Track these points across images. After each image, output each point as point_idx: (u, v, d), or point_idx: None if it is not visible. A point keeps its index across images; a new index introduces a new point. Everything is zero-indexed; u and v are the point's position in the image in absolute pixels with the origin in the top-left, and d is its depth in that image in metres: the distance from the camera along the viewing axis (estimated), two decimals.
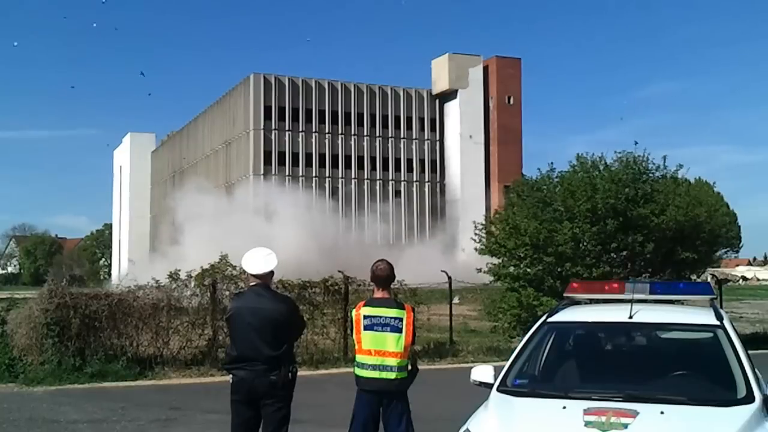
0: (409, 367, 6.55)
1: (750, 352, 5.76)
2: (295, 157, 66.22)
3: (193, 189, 64.30)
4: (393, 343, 6.36)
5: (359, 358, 6.48)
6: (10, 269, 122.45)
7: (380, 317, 6.42)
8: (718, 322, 5.95)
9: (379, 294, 6.63)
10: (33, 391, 12.92)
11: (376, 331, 6.40)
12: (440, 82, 70.29)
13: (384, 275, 6.61)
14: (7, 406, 11.53)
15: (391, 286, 6.84)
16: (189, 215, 58.63)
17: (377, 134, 69.25)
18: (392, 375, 6.34)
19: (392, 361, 6.35)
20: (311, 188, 64.35)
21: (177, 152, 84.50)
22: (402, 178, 69.58)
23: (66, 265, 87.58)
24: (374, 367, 6.37)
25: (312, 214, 55.33)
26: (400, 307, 6.52)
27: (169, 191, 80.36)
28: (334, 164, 67.32)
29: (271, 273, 6.34)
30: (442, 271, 19.28)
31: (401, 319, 6.41)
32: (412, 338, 6.48)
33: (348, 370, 15.71)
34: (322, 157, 66.95)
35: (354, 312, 6.59)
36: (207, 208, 58.00)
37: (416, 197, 69.36)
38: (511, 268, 18.87)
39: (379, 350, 6.37)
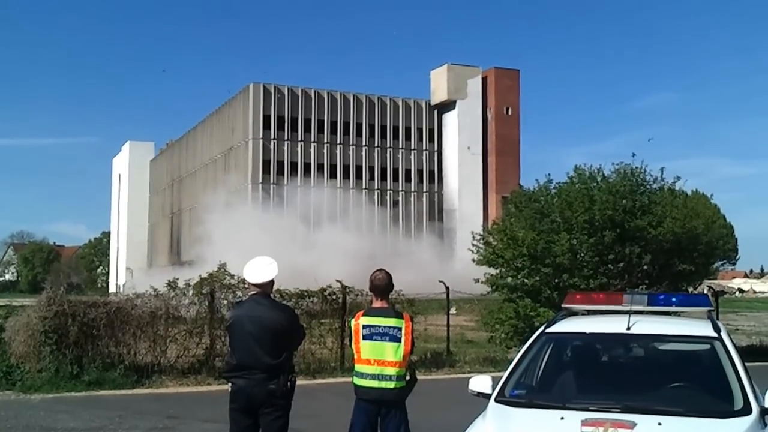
0: (408, 377, 6.56)
1: (747, 364, 5.79)
2: (293, 166, 66.27)
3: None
4: (392, 352, 6.38)
5: (358, 367, 6.49)
6: (7, 276, 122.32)
7: (379, 327, 6.43)
8: (715, 334, 5.97)
9: (377, 303, 6.65)
10: (30, 398, 12.91)
11: (375, 340, 6.41)
12: (439, 92, 70.46)
13: (382, 285, 6.63)
14: (4, 414, 11.52)
15: (389, 296, 6.86)
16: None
17: (376, 144, 69.37)
18: (391, 384, 6.36)
19: (391, 371, 6.36)
20: (309, 198, 64.48)
21: (176, 161, 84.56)
22: (400, 188, 69.66)
23: (64, 273, 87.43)
24: (373, 377, 6.39)
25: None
26: (399, 316, 6.54)
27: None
28: (333, 174, 67.38)
29: (271, 282, 6.35)
30: (439, 281, 19.30)
31: (400, 329, 6.43)
32: (411, 348, 6.50)
33: (345, 379, 15.71)
34: (320, 166, 67.03)
35: (353, 321, 6.60)
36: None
37: (414, 207, 69.40)
38: (509, 279, 18.87)
39: (378, 359, 6.38)
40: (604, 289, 16.68)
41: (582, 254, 17.84)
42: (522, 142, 71.72)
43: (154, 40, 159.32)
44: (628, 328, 5.97)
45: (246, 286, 6.46)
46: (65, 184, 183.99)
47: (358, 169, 68.23)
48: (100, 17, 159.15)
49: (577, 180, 19.13)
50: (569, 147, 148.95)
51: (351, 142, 68.37)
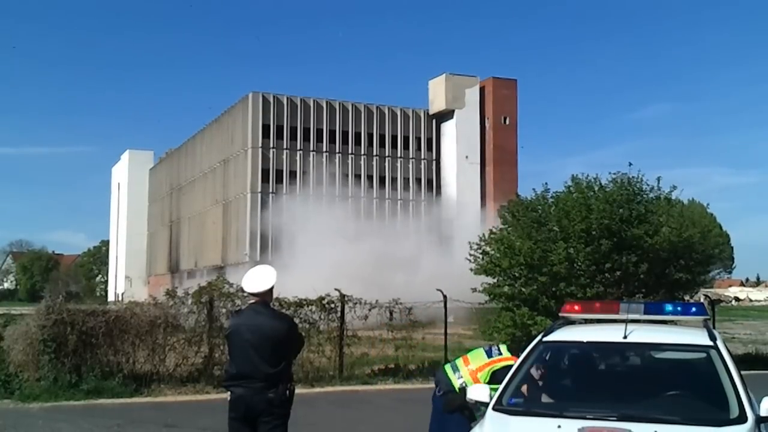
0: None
1: (743, 372, 5.82)
2: (292, 175, 66.26)
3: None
4: None
5: None
6: (6, 285, 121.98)
7: None
8: (711, 343, 6.00)
9: None
10: (29, 407, 12.91)
11: None
12: (437, 102, 70.50)
13: None
14: (3, 423, 11.53)
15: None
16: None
17: (374, 153, 69.40)
18: None
19: None
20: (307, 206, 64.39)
21: (175, 170, 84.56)
22: (398, 197, 69.65)
23: (62, 282, 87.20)
24: None
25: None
26: None
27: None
28: (331, 183, 67.39)
29: (270, 291, 6.35)
30: (437, 289, 19.30)
31: None
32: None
33: (343, 388, 15.78)
34: (319, 175, 67.02)
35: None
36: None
37: (412, 216, 69.34)
38: (506, 288, 18.89)
39: None
40: (601, 297, 16.72)
41: (579, 263, 17.87)
42: (519, 151, 71.83)
43: (153, 49, 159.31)
44: (625, 337, 6.00)
45: (246, 294, 6.47)
46: (64, 192, 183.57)
47: (357, 177, 68.23)
48: (99, 26, 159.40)
49: (574, 189, 19.15)
50: (566, 156, 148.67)
51: (349, 151, 68.40)
